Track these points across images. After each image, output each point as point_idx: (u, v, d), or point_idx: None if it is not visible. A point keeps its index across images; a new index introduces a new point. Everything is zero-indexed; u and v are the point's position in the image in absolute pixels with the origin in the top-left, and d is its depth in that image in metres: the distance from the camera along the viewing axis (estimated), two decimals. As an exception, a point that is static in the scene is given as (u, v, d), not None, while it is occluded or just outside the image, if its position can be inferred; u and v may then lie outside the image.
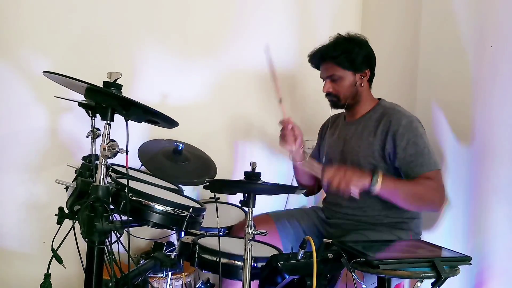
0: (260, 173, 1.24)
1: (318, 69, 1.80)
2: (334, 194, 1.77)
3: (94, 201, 1.08)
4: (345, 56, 1.68)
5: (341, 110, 1.84)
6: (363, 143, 1.68)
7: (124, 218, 1.15)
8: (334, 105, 1.78)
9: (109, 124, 1.13)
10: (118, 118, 1.15)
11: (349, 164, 1.70)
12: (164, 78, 2.23)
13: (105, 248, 1.12)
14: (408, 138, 1.57)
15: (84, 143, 1.52)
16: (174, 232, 1.81)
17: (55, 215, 1.25)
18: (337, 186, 1.46)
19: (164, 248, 1.80)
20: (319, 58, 1.76)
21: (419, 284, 1.20)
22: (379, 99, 1.79)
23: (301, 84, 2.41)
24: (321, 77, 1.78)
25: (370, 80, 1.77)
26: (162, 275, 1.67)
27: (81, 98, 1.23)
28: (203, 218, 1.43)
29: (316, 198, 2.22)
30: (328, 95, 1.76)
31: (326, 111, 1.89)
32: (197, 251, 1.36)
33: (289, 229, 1.76)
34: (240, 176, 1.26)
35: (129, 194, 1.24)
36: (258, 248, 1.48)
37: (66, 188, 1.33)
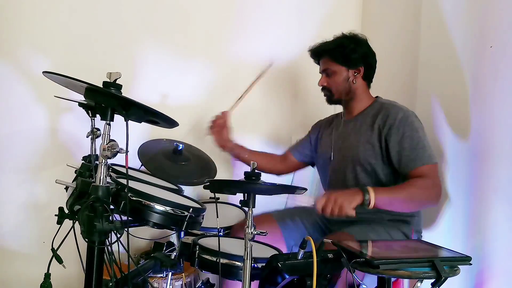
0: (260, 173, 1.24)
1: (319, 64, 1.84)
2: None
3: (94, 201, 1.08)
4: (339, 51, 1.72)
5: (339, 108, 1.86)
6: (362, 138, 1.68)
7: (124, 218, 1.15)
8: (329, 99, 1.82)
9: (109, 124, 1.13)
10: (118, 118, 1.15)
11: (350, 161, 1.69)
12: (164, 78, 2.23)
13: (105, 248, 1.12)
14: (403, 132, 1.57)
15: (84, 143, 1.51)
16: (174, 232, 1.81)
17: (55, 215, 1.25)
18: (331, 214, 1.43)
19: (164, 248, 1.80)
20: (316, 52, 1.81)
21: (419, 284, 1.19)
22: (377, 97, 1.79)
23: (303, 82, 2.42)
24: (319, 72, 1.83)
25: (367, 79, 1.78)
26: (162, 275, 1.67)
27: (81, 98, 1.23)
28: (203, 218, 1.43)
29: (317, 195, 2.21)
30: (323, 89, 1.81)
31: (327, 107, 1.91)
32: (197, 251, 1.36)
33: (292, 227, 1.76)
34: (240, 176, 1.26)
35: (129, 194, 1.24)
36: (258, 249, 1.48)
37: (66, 188, 1.33)
